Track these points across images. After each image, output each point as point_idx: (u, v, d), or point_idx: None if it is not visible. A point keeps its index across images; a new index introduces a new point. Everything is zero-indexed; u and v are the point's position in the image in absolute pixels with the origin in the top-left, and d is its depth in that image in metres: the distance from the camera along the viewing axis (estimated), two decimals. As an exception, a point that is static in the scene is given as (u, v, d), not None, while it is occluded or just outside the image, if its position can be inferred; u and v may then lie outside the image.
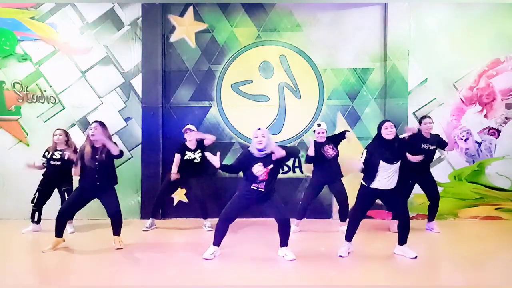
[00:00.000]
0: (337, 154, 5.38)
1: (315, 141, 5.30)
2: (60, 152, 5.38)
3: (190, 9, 6.37)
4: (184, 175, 5.62)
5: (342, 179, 5.46)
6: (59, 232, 4.65)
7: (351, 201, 4.82)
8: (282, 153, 4.13)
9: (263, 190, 4.18)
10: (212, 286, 3.75)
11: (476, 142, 6.26)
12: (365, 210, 4.47)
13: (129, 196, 6.31)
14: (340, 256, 4.35)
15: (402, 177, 4.94)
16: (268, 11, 6.35)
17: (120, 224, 4.82)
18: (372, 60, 6.32)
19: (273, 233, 4.46)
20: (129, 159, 6.32)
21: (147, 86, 6.29)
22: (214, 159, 4.15)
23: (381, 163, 4.20)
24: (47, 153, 5.47)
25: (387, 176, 4.22)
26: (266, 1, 6.28)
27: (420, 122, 5.38)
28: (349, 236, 4.45)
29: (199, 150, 5.64)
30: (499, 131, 6.26)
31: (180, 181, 5.66)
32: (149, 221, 5.73)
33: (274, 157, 4.14)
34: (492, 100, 6.26)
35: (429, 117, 5.35)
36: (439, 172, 6.15)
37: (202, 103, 6.41)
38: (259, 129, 4.21)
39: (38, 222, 5.53)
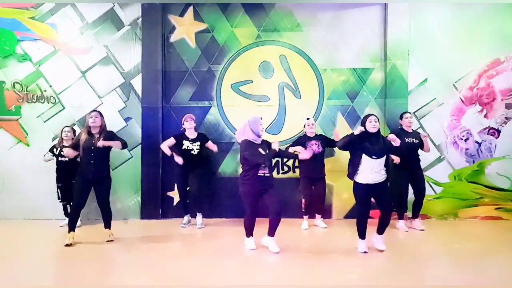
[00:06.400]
0: (322, 153, 5.65)
1: (300, 137, 5.81)
2: None
3: (190, 9, 6.38)
4: (184, 165, 5.51)
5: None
6: (73, 227, 4.84)
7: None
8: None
9: (268, 174, 4.50)
10: (212, 286, 3.75)
11: (476, 142, 6.26)
12: (366, 205, 4.46)
13: (129, 196, 6.32)
14: (365, 252, 4.42)
15: (396, 175, 5.23)
16: (268, 11, 6.36)
17: (110, 216, 5.03)
18: (372, 60, 6.32)
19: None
20: (129, 159, 6.32)
21: (147, 86, 6.30)
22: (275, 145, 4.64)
23: (364, 156, 4.30)
24: (54, 149, 5.77)
25: (372, 170, 4.29)
26: (266, 1, 6.29)
27: (401, 118, 5.60)
28: (361, 234, 4.49)
29: (198, 142, 5.47)
30: (499, 131, 6.26)
31: (187, 169, 5.55)
32: (186, 218, 5.78)
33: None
34: (492, 100, 6.26)
35: (409, 112, 5.69)
36: (439, 172, 6.19)
37: (202, 103, 6.41)
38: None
39: None
